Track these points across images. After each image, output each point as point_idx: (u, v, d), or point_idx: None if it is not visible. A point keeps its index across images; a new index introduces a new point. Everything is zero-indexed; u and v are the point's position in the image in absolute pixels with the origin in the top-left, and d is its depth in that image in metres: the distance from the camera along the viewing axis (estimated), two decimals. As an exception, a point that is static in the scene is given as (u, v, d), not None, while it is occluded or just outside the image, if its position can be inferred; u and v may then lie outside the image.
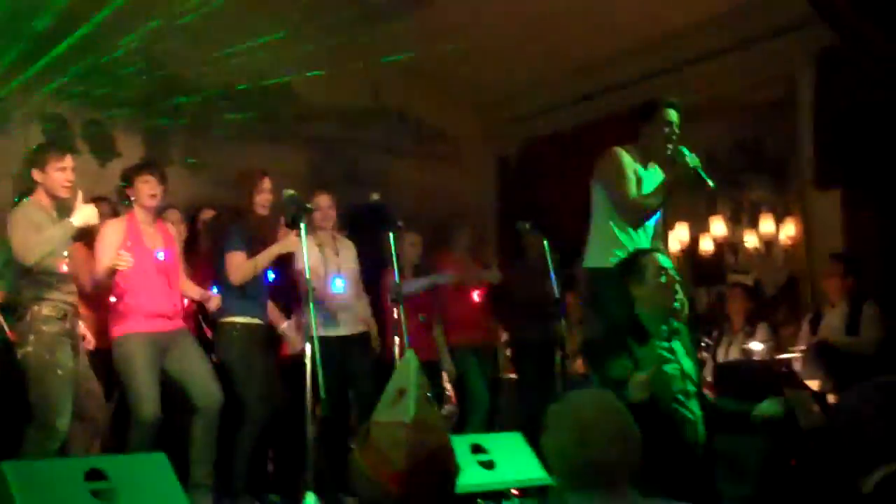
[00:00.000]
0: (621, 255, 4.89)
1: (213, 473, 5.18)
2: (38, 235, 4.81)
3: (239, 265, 5.48)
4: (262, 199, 5.63)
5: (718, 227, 7.93)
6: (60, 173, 4.95)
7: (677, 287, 4.32)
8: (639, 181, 5.02)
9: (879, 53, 6.23)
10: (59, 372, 4.80)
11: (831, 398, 6.02)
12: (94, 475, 3.93)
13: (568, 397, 2.58)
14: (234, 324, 5.52)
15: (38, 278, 4.87)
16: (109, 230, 5.21)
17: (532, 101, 9.48)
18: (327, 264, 5.93)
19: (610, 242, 5.01)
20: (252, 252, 5.52)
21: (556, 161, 9.07)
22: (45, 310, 4.85)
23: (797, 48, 7.39)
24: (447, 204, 8.56)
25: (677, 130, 5.03)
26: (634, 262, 4.43)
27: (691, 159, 4.85)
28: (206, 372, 5.29)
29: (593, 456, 2.34)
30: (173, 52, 7.91)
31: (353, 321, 5.99)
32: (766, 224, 7.67)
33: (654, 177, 5.11)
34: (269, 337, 5.71)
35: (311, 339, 5.05)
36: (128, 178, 5.36)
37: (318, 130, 8.91)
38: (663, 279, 4.26)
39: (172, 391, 5.26)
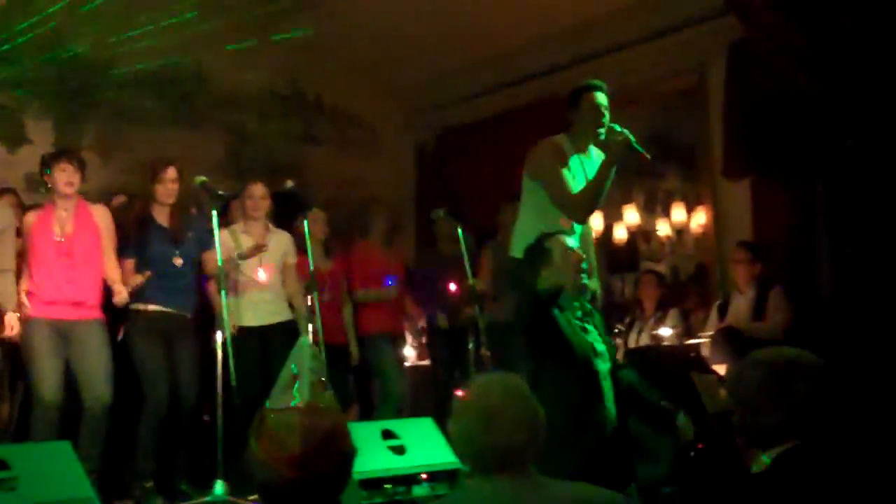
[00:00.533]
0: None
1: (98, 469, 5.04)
2: None
3: (127, 273, 5.43)
4: (168, 189, 5.55)
5: (632, 215, 8.05)
6: None
7: (584, 265, 4.45)
8: (574, 176, 5.00)
9: (788, 46, 6.36)
10: None
11: (738, 382, 6.16)
12: (-4, 464, 3.87)
13: (474, 382, 2.61)
14: (136, 311, 5.45)
15: None
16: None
17: (450, 90, 9.50)
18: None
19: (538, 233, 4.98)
20: (151, 250, 5.47)
21: (473, 149, 9.12)
22: None
23: (709, 39, 7.50)
24: (365, 192, 8.56)
25: (607, 113, 5.02)
26: (540, 245, 4.49)
27: (623, 134, 4.83)
28: (97, 371, 5.17)
29: (498, 441, 2.36)
30: (85, 36, 7.78)
31: (273, 311, 5.95)
32: (678, 212, 7.81)
33: (595, 162, 5.09)
34: (184, 325, 5.61)
35: (223, 329, 5.03)
36: (46, 165, 5.27)
37: (234, 117, 8.85)
38: (569, 258, 4.38)
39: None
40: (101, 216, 5.43)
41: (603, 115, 5.02)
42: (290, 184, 6.01)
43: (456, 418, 2.46)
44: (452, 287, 6.19)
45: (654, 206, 8.04)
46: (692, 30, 7.59)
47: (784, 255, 6.91)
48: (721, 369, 6.14)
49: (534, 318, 4.36)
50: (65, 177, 5.19)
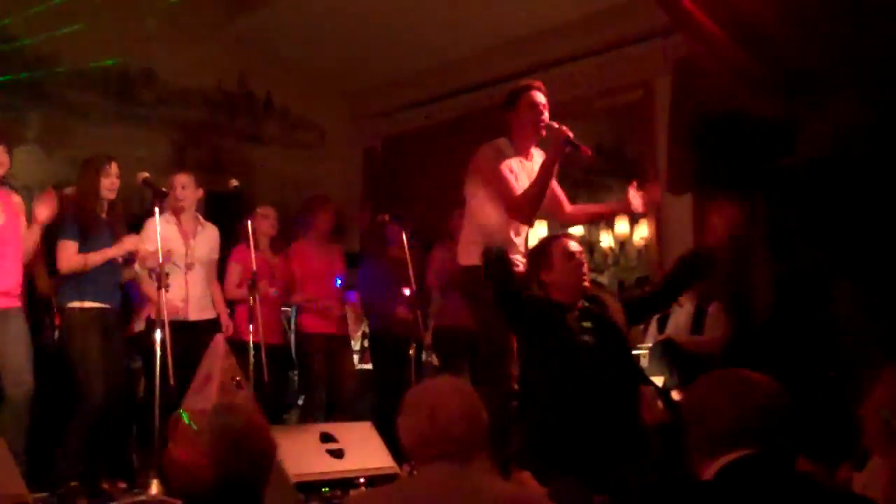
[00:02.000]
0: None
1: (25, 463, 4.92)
2: None
3: (69, 256, 5.32)
4: (109, 184, 5.49)
5: (575, 227, 8.12)
6: None
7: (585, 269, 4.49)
8: (514, 175, 4.99)
9: (733, 65, 6.44)
10: None
11: (675, 394, 6.23)
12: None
13: (423, 382, 2.84)
14: (72, 309, 5.37)
15: None
16: None
17: (398, 95, 9.54)
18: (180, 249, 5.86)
19: (483, 241, 4.89)
20: (91, 239, 5.40)
21: (420, 155, 9.15)
22: None
23: (655, 55, 7.61)
24: (312, 193, 8.53)
25: (545, 111, 5.03)
26: (542, 250, 4.47)
27: (562, 130, 4.81)
28: (18, 357, 5.08)
29: (442, 430, 2.51)
30: (29, 27, 7.68)
31: (201, 307, 5.93)
32: (622, 225, 7.89)
33: (534, 165, 5.09)
34: (117, 321, 5.55)
35: (161, 325, 4.99)
36: None
37: (181, 114, 8.79)
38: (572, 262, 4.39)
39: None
40: (19, 203, 5.34)
41: (541, 113, 5.03)
42: (234, 183, 5.96)
43: (404, 413, 2.62)
44: (406, 292, 6.17)
45: (616, 216, 8.12)
46: (639, 45, 7.70)
47: (723, 271, 7.00)
48: (659, 381, 6.20)
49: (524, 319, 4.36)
50: None
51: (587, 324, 4.42)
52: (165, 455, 2.24)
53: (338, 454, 4.84)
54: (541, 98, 5.05)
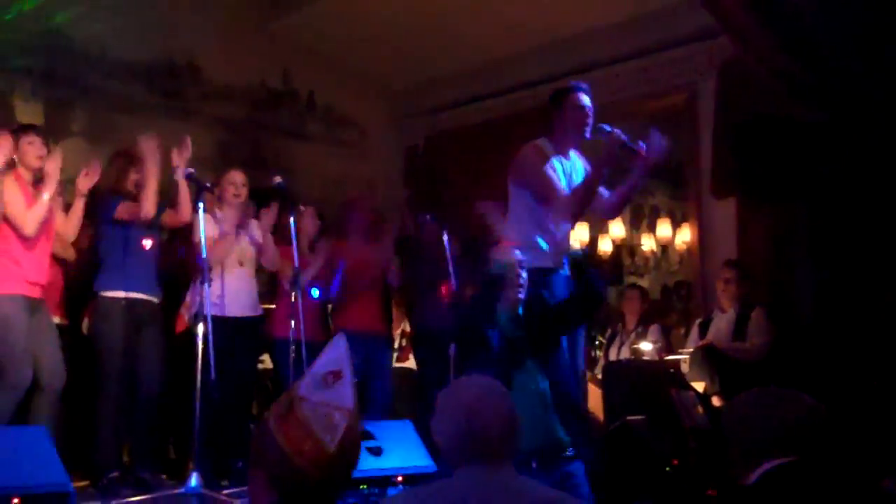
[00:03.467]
0: (534, 255, 4.92)
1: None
2: None
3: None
4: (136, 179, 5.50)
5: (617, 229, 8.09)
6: None
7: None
8: (556, 174, 4.99)
9: (778, 68, 6.40)
10: None
11: (715, 401, 6.19)
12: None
13: (456, 382, 2.81)
14: (102, 297, 5.41)
15: None
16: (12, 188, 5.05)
17: (440, 94, 9.53)
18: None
19: (527, 243, 4.95)
20: (128, 229, 5.46)
21: (461, 155, 9.14)
22: None
23: (701, 58, 7.55)
24: (353, 192, 8.56)
25: (590, 113, 5.03)
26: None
27: (614, 134, 4.80)
28: (53, 348, 5.16)
29: (477, 431, 2.50)
30: (78, 23, 7.76)
31: (249, 304, 5.96)
32: (664, 228, 7.85)
33: (575, 164, 5.10)
34: (153, 311, 5.60)
35: (203, 319, 5.00)
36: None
37: (225, 111, 8.84)
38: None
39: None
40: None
41: (587, 116, 5.01)
42: (278, 179, 5.98)
43: (439, 414, 2.62)
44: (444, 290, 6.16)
45: (641, 220, 8.09)
46: (684, 48, 7.64)
47: (766, 276, 6.95)
48: (699, 386, 6.17)
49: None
50: (34, 150, 5.15)
51: None
52: (264, 435, 2.19)
53: (376, 452, 4.84)
54: (586, 100, 5.03)
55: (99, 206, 5.47)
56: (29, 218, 4.99)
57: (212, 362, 4.92)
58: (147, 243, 5.53)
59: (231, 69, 8.77)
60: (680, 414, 5.65)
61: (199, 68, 8.63)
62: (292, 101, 9.32)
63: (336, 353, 2.35)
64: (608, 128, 4.86)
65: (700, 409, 5.92)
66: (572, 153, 5.14)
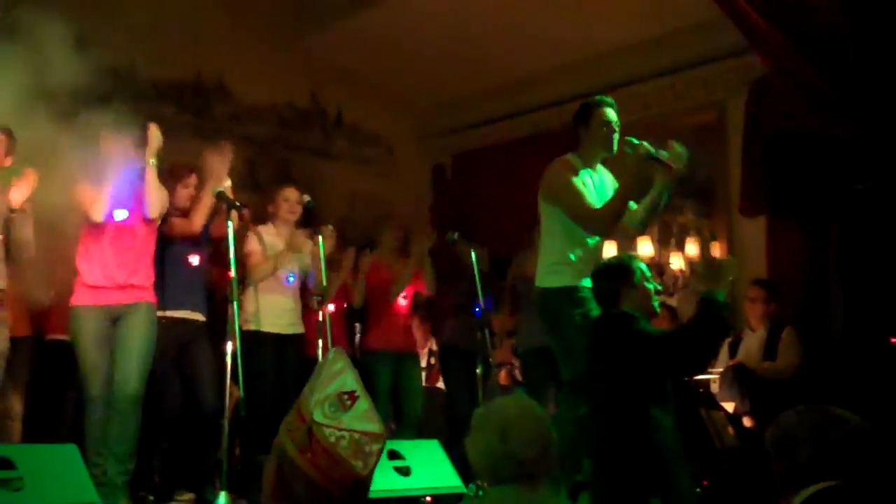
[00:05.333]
0: (570, 273, 4.90)
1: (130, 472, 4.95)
2: None
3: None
4: (187, 195, 5.57)
5: (646, 247, 8.03)
6: None
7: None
8: (587, 189, 4.96)
9: (809, 86, 6.36)
10: None
11: (746, 421, 6.13)
12: (2, 464, 3.85)
13: (493, 402, 2.83)
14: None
15: None
16: None
17: (467, 112, 9.55)
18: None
19: (561, 262, 4.93)
20: (174, 245, 5.46)
21: (488, 173, 9.13)
22: None
23: (730, 75, 7.52)
24: (380, 210, 8.57)
25: (617, 128, 5.00)
26: (624, 266, 4.39)
27: (642, 147, 4.73)
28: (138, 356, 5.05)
29: (512, 453, 2.51)
30: (105, 42, 7.81)
31: (294, 320, 5.96)
32: (692, 247, 7.80)
33: (603, 179, 5.07)
34: (197, 330, 5.57)
35: (233, 336, 4.99)
36: None
37: (253, 130, 8.88)
38: (649, 285, 4.30)
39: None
40: None
41: (613, 131, 4.99)
42: (307, 198, 6.00)
43: (474, 433, 2.63)
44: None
45: (669, 239, 8.03)
46: (713, 65, 7.61)
47: (796, 295, 6.89)
48: (730, 406, 6.11)
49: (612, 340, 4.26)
50: None
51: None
52: (286, 465, 2.16)
53: (404, 472, 4.82)
54: (613, 115, 5.01)
55: None
56: None
57: (240, 381, 4.91)
58: (194, 260, 5.53)
59: (259, 88, 8.83)
60: (710, 435, 5.60)
61: (228, 88, 8.69)
62: (320, 119, 9.37)
63: (336, 369, 2.30)
64: (635, 141, 4.84)
65: (731, 430, 5.87)
66: (600, 168, 5.12)
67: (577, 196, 4.84)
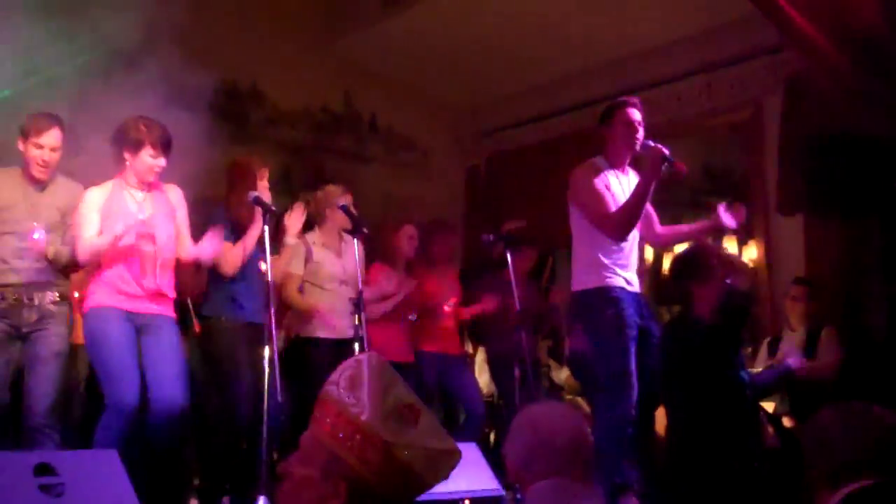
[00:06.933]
0: (601, 273, 4.90)
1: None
2: None
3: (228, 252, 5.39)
4: (263, 187, 5.57)
5: (682, 247, 7.99)
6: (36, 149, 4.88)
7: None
8: (612, 192, 5.00)
9: (847, 83, 6.29)
10: None
11: (786, 421, 6.08)
12: (43, 470, 3.88)
13: (528, 407, 2.86)
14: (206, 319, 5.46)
15: None
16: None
17: (502, 113, 9.54)
18: (333, 266, 5.97)
19: (592, 263, 4.99)
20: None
21: (523, 174, 9.12)
22: None
23: (765, 73, 7.46)
24: (414, 214, 8.56)
25: (640, 128, 5.01)
26: (695, 259, 4.27)
27: (657, 148, 4.78)
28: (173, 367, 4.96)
29: (546, 443, 2.56)
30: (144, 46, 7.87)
31: (348, 326, 5.96)
32: (729, 246, 7.74)
33: (632, 181, 5.08)
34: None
35: (270, 342, 4.99)
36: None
37: (288, 134, 8.91)
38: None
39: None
40: (178, 200, 5.27)
41: (636, 131, 4.99)
42: (341, 202, 6.01)
43: (510, 434, 2.68)
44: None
45: (705, 238, 7.97)
46: (750, 63, 7.55)
47: (835, 294, 6.83)
48: (769, 406, 6.06)
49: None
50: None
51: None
52: (362, 488, 2.08)
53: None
54: (636, 115, 5.02)
55: (215, 225, 5.35)
56: None
57: (278, 385, 4.90)
58: (264, 266, 5.51)
59: (293, 93, 8.85)
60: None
61: (262, 92, 8.72)
62: (354, 123, 9.38)
63: (387, 379, 2.20)
64: (651, 142, 4.85)
65: (770, 430, 5.82)
66: (630, 171, 5.13)
67: (596, 200, 4.90)
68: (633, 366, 4.71)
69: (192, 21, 7.56)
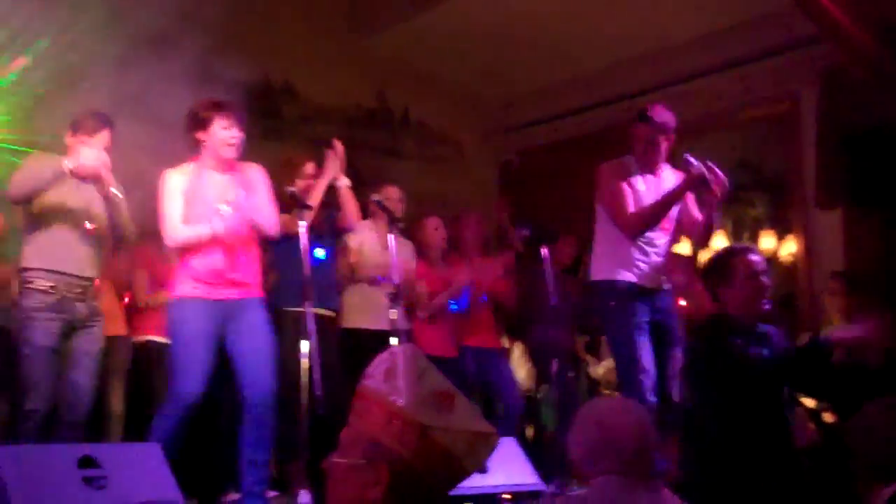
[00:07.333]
0: (613, 266, 4.94)
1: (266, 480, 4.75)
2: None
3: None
4: (303, 186, 5.51)
5: (719, 242, 7.92)
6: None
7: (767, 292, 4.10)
8: (636, 192, 5.02)
9: (884, 74, 6.24)
10: (27, 351, 4.62)
11: (827, 416, 6.01)
12: (87, 462, 3.90)
13: (594, 400, 3.05)
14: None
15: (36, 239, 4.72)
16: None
17: (535, 108, 9.51)
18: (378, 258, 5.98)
19: (605, 256, 5.08)
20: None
21: (556, 169, 9.08)
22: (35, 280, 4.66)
23: (802, 66, 7.40)
24: (449, 207, 8.55)
25: (662, 131, 5.03)
26: (722, 262, 4.21)
27: (700, 169, 4.79)
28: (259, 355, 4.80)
29: (609, 442, 2.54)
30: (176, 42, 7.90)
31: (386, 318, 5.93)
32: (767, 241, 7.69)
33: (666, 182, 5.10)
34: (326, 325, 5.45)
35: (307, 334, 4.93)
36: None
37: (321, 130, 8.90)
38: (756, 281, 4.04)
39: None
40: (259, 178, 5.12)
41: (659, 134, 5.05)
42: (376, 198, 6.00)
43: (574, 427, 2.67)
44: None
45: (742, 233, 7.93)
46: (786, 55, 7.49)
47: (875, 288, 6.76)
48: (810, 402, 6.00)
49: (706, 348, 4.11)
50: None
51: (762, 351, 4.05)
52: (402, 475, 2.07)
53: (482, 469, 4.77)
54: (662, 117, 5.05)
55: None
56: None
57: (317, 378, 4.85)
58: (320, 253, 5.45)
59: (326, 89, 8.86)
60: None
61: (295, 88, 8.74)
62: (387, 118, 9.38)
63: (421, 367, 2.21)
64: (694, 161, 4.84)
65: (812, 426, 5.77)
66: (666, 170, 5.13)
67: (615, 198, 4.96)
68: (641, 353, 4.78)
69: (224, 18, 7.62)
